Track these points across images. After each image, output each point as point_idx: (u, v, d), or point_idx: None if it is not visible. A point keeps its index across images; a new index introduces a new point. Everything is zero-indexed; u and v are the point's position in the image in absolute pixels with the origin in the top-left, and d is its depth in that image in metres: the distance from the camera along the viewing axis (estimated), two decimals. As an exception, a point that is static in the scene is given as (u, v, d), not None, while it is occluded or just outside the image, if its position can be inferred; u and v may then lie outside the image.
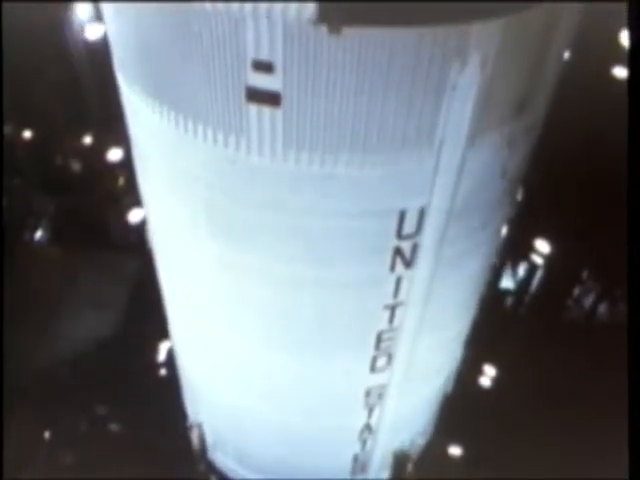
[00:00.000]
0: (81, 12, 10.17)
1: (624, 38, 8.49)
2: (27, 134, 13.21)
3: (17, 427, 9.70)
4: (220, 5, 2.82)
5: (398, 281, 4.15)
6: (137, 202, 5.03)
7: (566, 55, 3.69)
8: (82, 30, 10.32)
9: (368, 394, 5.23)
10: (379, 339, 4.63)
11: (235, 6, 2.80)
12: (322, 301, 4.29)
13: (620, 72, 8.98)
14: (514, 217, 10.09)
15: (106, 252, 13.15)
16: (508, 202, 4.43)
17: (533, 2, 2.95)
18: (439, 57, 2.91)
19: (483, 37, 2.91)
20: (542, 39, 3.21)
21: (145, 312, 8.52)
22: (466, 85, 3.04)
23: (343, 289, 4.18)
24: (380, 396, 5.30)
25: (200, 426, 6.76)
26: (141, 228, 11.78)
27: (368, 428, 5.70)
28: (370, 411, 5.47)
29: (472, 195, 3.76)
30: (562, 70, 3.76)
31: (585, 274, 12.38)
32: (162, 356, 11.86)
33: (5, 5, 9.71)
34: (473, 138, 3.35)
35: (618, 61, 8.81)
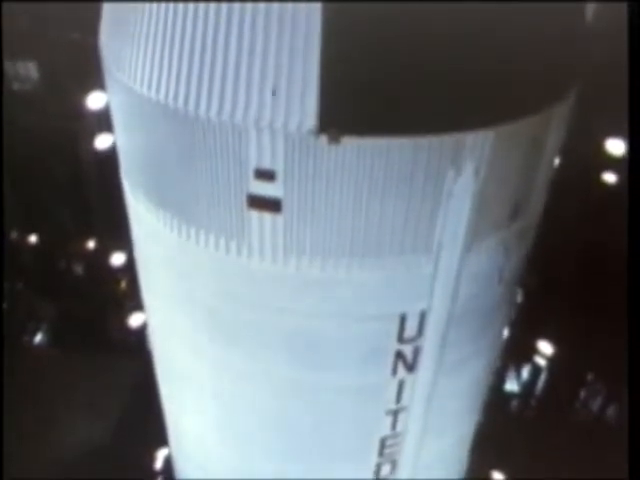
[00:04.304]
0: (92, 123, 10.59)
1: (610, 146, 8.84)
2: (32, 238, 13.39)
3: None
4: (224, 116, 2.94)
5: (400, 385, 4.10)
6: (138, 306, 5.05)
7: (556, 162, 3.82)
8: (91, 139, 10.68)
9: (373, 503, 5.06)
10: (382, 445, 4.52)
11: (238, 117, 2.92)
12: (323, 406, 4.22)
13: (609, 178, 9.30)
14: (515, 319, 10.10)
15: (106, 356, 13.01)
16: (507, 305, 4.45)
17: (522, 113, 3.09)
18: (435, 166, 3.01)
19: (476, 146, 3.02)
20: (533, 147, 3.33)
21: (144, 417, 8.35)
22: (461, 192, 3.12)
23: (344, 394, 4.12)
24: (385, 506, 5.13)
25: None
26: (141, 332, 11.73)
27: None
28: (375, 522, 5.27)
29: (471, 299, 3.78)
30: (554, 175, 3.88)
31: (590, 376, 12.20)
32: (159, 464, 11.51)
33: (10, 109, 10.12)
34: (470, 243, 3.41)
35: (606, 168, 9.16)
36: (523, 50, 2.95)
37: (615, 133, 8.63)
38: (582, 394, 12.41)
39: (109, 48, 3.42)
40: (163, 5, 2.96)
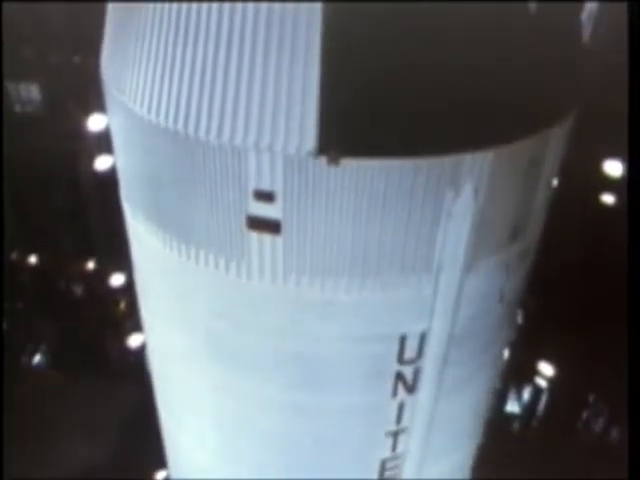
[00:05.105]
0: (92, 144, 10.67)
1: (608, 167, 8.93)
2: (32, 259, 13.42)
3: None
4: (224, 138, 2.95)
5: (400, 407, 4.07)
6: (137, 327, 5.05)
7: (555, 182, 3.83)
8: (91, 160, 10.75)
9: (373, 528, 5.00)
10: (383, 467, 4.48)
11: (238, 139, 2.93)
12: (323, 428, 4.19)
13: (608, 199, 9.38)
14: (515, 340, 10.08)
15: (104, 377, 12.98)
16: (508, 325, 4.43)
17: (521, 134, 3.10)
18: (434, 186, 3.02)
19: (475, 167, 3.03)
20: (532, 168, 3.34)
21: (143, 439, 8.31)
22: (461, 213, 3.13)
23: (344, 415, 4.09)
24: (386, 530, 5.07)
25: None
26: (140, 353, 11.72)
27: None
28: None
29: (472, 319, 3.77)
30: (553, 196, 3.89)
31: (592, 397, 12.15)
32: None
33: (12, 131, 10.20)
34: (470, 264, 3.41)
35: (605, 189, 9.24)
36: (522, 71, 2.97)
37: (613, 154, 8.70)
38: (584, 415, 12.36)
39: (110, 70, 3.45)
40: (164, 28, 2.99)
